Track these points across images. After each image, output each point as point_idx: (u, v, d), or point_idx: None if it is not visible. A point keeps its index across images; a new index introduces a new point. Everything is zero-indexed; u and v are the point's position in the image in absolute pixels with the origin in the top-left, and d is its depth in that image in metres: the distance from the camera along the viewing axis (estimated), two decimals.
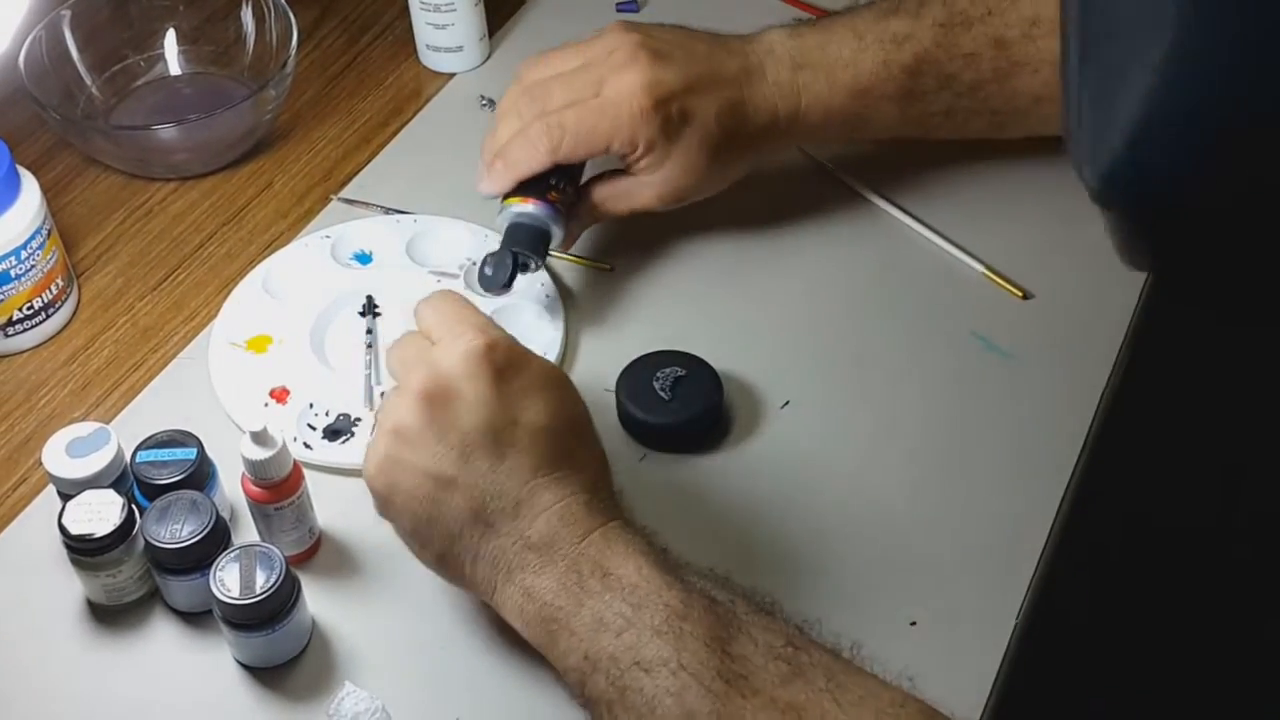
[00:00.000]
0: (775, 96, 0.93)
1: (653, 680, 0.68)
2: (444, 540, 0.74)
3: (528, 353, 0.77)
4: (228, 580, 0.76)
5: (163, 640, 0.82)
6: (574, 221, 0.94)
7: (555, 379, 0.77)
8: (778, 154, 0.99)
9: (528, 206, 0.91)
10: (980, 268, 0.98)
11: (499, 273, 0.90)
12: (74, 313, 0.98)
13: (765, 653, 0.69)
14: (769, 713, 0.66)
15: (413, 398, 0.74)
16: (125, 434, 0.84)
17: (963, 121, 0.97)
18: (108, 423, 0.89)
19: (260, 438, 0.78)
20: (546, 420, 0.74)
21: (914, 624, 0.81)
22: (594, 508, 0.74)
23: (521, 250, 0.91)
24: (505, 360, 0.75)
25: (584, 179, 0.95)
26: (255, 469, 0.79)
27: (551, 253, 0.95)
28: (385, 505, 0.76)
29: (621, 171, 0.94)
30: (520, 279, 0.94)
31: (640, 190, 0.94)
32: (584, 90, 0.91)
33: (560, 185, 0.92)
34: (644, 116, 0.90)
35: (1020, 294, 0.96)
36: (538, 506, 0.73)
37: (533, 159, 0.90)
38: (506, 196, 0.92)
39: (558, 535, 0.72)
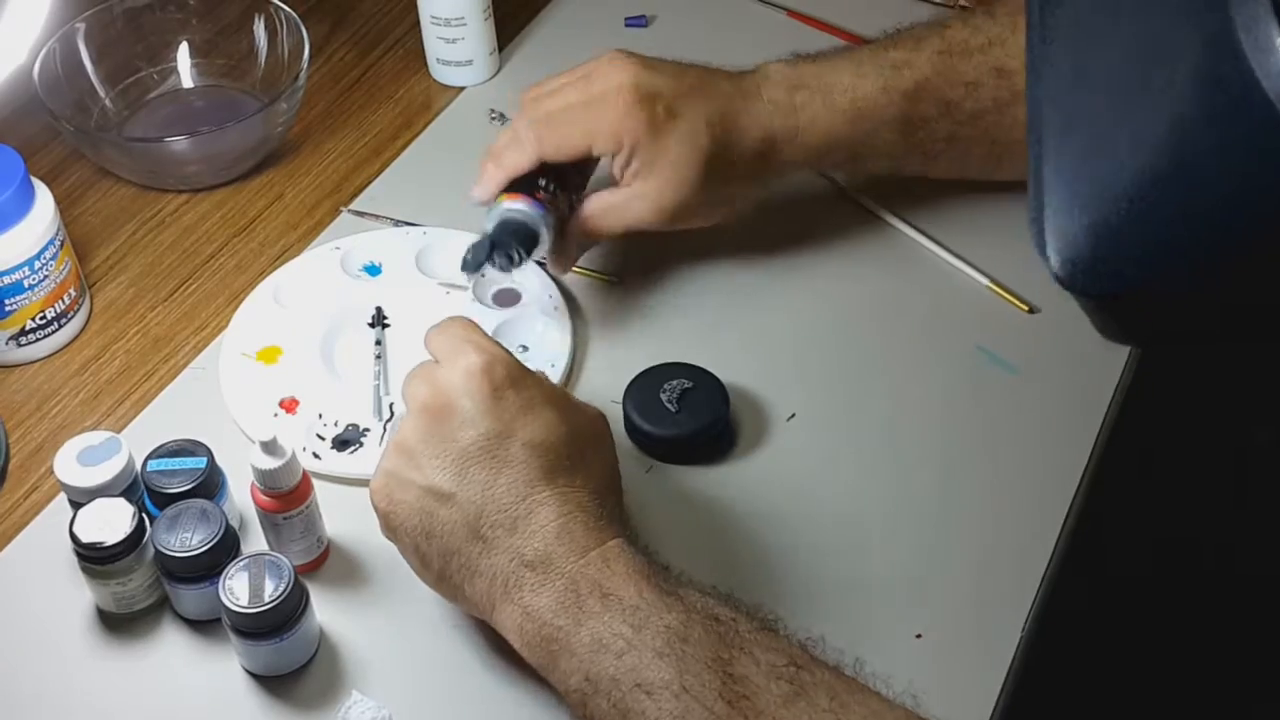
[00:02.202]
0: (771, 114, 0.93)
1: (655, 703, 0.68)
2: (442, 557, 0.75)
3: (528, 371, 0.78)
4: (236, 589, 0.76)
5: (171, 648, 0.82)
6: (569, 240, 0.94)
7: (556, 395, 0.78)
8: (779, 178, 0.98)
9: (514, 203, 0.91)
10: (985, 281, 0.98)
11: (476, 254, 0.90)
12: (86, 323, 0.99)
13: (768, 673, 0.69)
14: None
15: (413, 414, 0.76)
16: (136, 443, 0.85)
17: (964, 150, 0.97)
18: (119, 432, 0.90)
19: (270, 447, 0.79)
20: (544, 435, 0.75)
21: (919, 636, 0.81)
22: (593, 525, 0.74)
23: (502, 239, 0.90)
24: (504, 377, 0.76)
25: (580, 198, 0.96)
26: (265, 478, 0.79)
27: (549, 271, 0.97)
28: (386, 522, 0.77)
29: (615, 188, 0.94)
30: (527, 295, 0.95)
31: (632, 204, 0.93)
32: (574, 95, 0.92)
33: (548, 186, 0.92)
34: (628, 110, 0.89)
35: (1026, 308, 0.97)
36: (535, 523, 0.73)
37: (519, 157, 0.91)
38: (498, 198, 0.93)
39: (554, 553, 0.72)
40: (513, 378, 0.76)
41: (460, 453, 0.74)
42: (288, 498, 0.80)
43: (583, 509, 0.74)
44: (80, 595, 0.83)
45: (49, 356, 0.97)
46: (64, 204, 1.05)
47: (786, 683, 0.68)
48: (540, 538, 0.73)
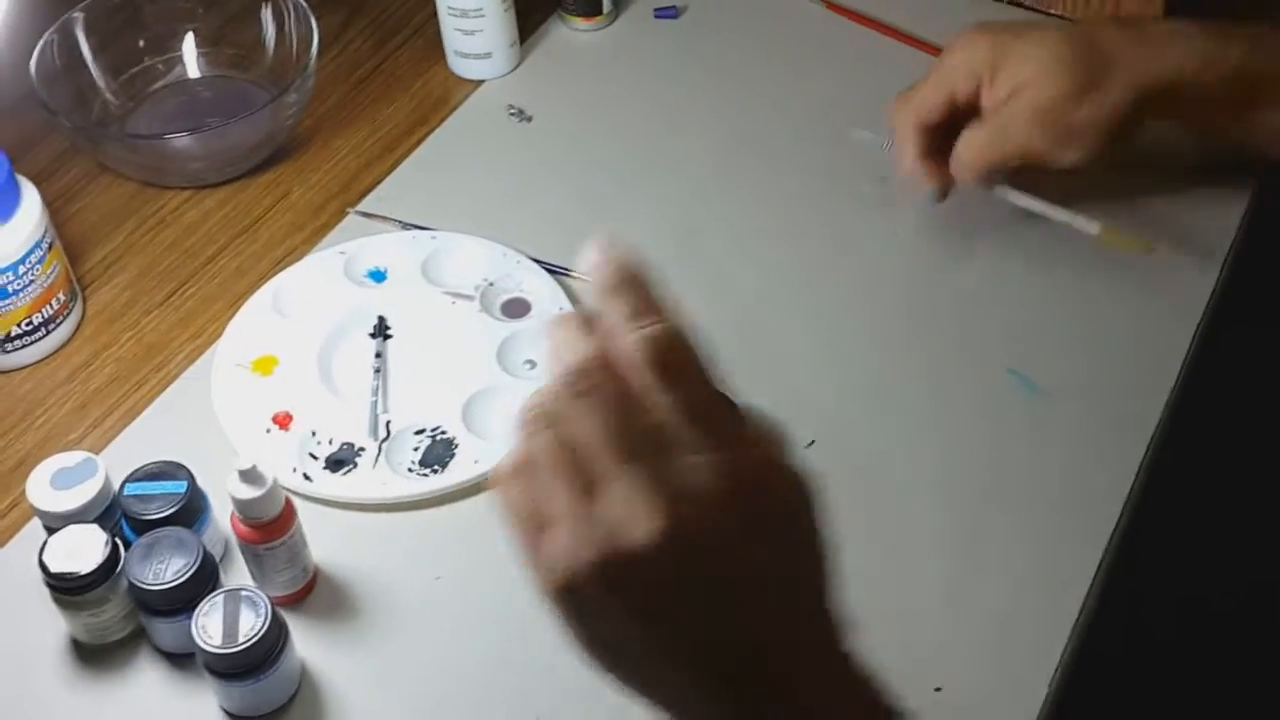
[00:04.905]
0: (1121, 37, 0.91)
1: None
2: (648, 670, 0.55)
3: (784, 472, 0.57)
4: (209, 627, 0.72)
5: (148, 682, 0.78)
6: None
7: (806, 500, 0.58)
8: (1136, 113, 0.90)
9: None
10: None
11: None
12: (77, 327, 0.95)
13: None
14: None
15: (652, 535, 0.51)
16: (122, 458, 0.81)
17: None
18: (104, 446, 0.86)
19: (249, 476, 0.74)
20: (793, 569, 0.56)
21: (939, 690, 0.76)
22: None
23: None
24: (770, 501, 0.55)
25: None
26: (244, 508, 0.75)
27: (572, 273, 0.93)
28: (571, 622, 0.54)
29: None
30: (537, 306, 0.91)
31: (1008, 125, 0.91)
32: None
33: None
34: (970, 41, 0.91)
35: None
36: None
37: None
38: None
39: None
40: (772, 495, 0.56)
41: (707, 595, 0.53)
42: (269, 528, 0.76)
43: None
44: (55, 622, 0.79)
45: (36, 363, 0.93)
46: (60, 201, 1.01)
47: None
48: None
